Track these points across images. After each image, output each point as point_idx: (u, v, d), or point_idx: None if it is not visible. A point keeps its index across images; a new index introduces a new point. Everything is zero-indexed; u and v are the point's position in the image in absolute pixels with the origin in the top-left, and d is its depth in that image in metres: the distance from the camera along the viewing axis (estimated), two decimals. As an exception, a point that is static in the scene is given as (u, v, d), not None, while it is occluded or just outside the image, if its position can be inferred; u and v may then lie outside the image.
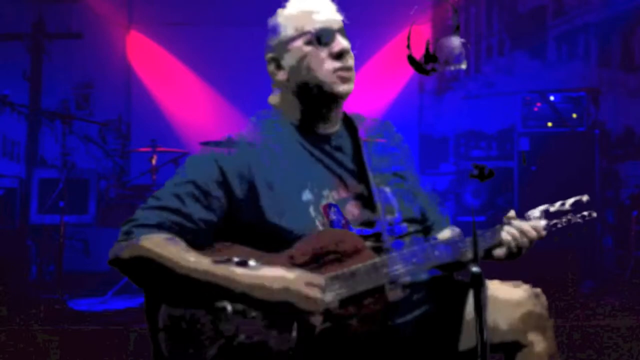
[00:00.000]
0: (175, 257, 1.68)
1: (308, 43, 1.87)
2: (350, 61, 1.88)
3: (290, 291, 1.65)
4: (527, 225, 1.90)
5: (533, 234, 1.89)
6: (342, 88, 1.87)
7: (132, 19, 7.43)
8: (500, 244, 1.88)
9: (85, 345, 3.58)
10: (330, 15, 1.90)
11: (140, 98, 7.29)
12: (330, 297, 1.68)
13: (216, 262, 1.69)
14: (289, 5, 1.94)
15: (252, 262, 1.73)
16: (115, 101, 7.26)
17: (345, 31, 1.91)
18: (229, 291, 1.66)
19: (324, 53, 1.86)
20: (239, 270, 1.68)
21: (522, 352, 1.86)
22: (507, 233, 1.88)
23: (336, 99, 1.89)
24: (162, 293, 1.73)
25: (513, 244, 1.87)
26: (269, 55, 1.94)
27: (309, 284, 1.66)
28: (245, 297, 1.66)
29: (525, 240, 1.88)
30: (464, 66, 1.63)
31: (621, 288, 4.86)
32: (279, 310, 1.66)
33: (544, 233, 1.92)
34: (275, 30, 1.92)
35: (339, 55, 1.86)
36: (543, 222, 1.93)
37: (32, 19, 6.76)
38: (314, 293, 1.66)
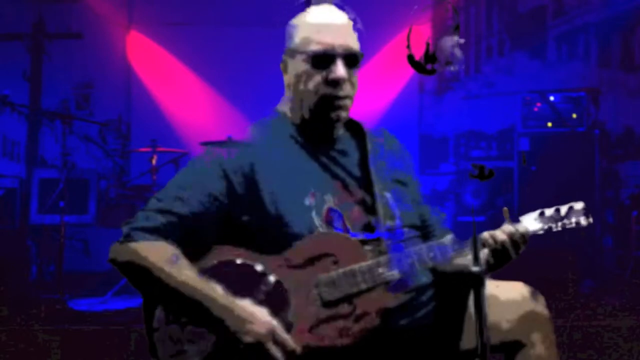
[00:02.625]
0: (166, 268, 1.70)
1: (306, 62, 1.84)
2: (345, 90, 1.84)
3: (255, 334, 1.65)
4: (509, 226, 1.86)
5: (510, 228, 1.84)
6: (331, 115, 1.85)
7: (132, 19, 7.43)
8: (483, 245, 1.84)
9: (85, 345, 3.58)
10: (336, 38, 1.84)
11: (140, 98, 7.29)
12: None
13: (208, 273, 1.71)
14: (308, 12, 1.91)
15: (259, 268, 1.74)
16: (115, 101, 7.26)
17: (354, 54, 1.86)
18: (208, 312, 1.67)
19: (318, 76, 1.83)
20: (222, 297, 1.68)
21: (522, 352, 1.87)
22: (487, 233, 1.85)
23: (327, 123, 1.88)
24: (155, 298, 1.75)
25: (490, 240, 1.82)
26: (283, 55, 1.93)
27: (276, 343, 1.66)
28: (220, 323, 1.67)
29: (498, 233, 1.83)
30: (462, 66, 1.64)
31: (621, 288, 4.86)
32: (246, 348, 1.66)
33: (527, 228, 1.87)
34: (289, 33, 1.90)
35: (333, 83, 1.82)
36: (538, 226, 1.92)
37: (32, 19, 6.76)
38: (275, 352, 1.66)
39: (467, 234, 1.79)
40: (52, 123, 6.09)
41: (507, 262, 1.85)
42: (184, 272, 1.70)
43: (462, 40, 1.65)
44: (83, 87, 7.20)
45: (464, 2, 7.40)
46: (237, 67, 6.83)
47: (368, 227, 1.84)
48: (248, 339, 1.65)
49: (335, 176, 1.88)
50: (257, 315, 1.67)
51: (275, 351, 1.65)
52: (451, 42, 1.64)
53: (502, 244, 1.83)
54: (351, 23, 1.91)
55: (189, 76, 7.29)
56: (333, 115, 1.85)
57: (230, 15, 7.05)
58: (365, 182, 1.89)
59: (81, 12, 6.87)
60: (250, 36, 6.71)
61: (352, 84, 1.87)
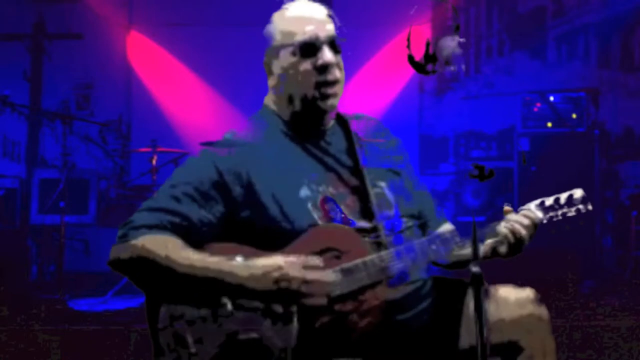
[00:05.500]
0: (172, 254, 1.69)
1: (293, 54, 1.87)
2: (335, 74, 1.87)
3: (288, 277, 1.66)
4: (520, 216, 1.89)
5: (526, 221, 1.87)
6: (324, 105, 1.87)
7: (132, 19, 7.43)
8: (496, 236, 1.87)
9: (85, 345, 3.58)
10: (318, 26, 1.88)
11: (141, 98, 7.29)
12: (331, 276, 1.69)
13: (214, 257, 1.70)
14: (284, 10, 1.94)
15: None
16: (115, 101, 7.26)
17: (336, 41, 1.89)
18: (227, 285, 1.67)
19: (307, 65, 1.86)
20: (236, 263, 1.69)
21: (521, 355, 1.86)
22: (502, 226, 1.87)
23: (320, 113, 1.90)
24: (162, 292, 1.74)
25: (510, 235, 1.86)
26: (264, 59, 1.96)
27: (307, 267, 1.68)
28: (243, 289, 1.67)
29: (519, 228, 1.86)
30: (463, 66, 1.64)
31: (621, 288, 4.86)
32: (280, 298, 1.67)
33: (538, 217, 1.91)
34: (268, 35, 1.93)
35: (323, 69, 1.85)
36: (539, 215, 1.94)
37: (33, 20, 6.77)
38: (313, 275, 1.67)
39: (467, 234, 1.80)
40: (52, 123, 6.10)
41: (519, 252, 1.89)
42: (192, 255, 1.70)
43: (462, 40, 1.65)
44: (83, 88, 7.20)
45: (464, 3, 7.39)
46: (237, 67, 6.82)
47: (365, 217, 1.85)
48: (283, 284, 1.66)
49: (328, 167, 1.89)
50: (273, 263, 1.68)
51: (312, 274, 1.67)
52: (451, 42, 1.64)
53: (522, 238, 1.86)
54: (327, 12, 1.93)
55: (189, 76, 7.29)
56: (323, 104, 1.87)
57: (230, 16, 7.05)
58: (358, 172, 1.91)
59: (81, 13, 6.87)
60: (250, 36, 6.68)
61: (340, 68, 1.90)
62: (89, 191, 5.72)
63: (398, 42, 6.97)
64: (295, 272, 1.67)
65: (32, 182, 5.82)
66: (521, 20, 7.19)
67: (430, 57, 1.62)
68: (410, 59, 1.64)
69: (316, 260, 1.70)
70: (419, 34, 1.70)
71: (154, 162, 5.45)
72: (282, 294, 1.67)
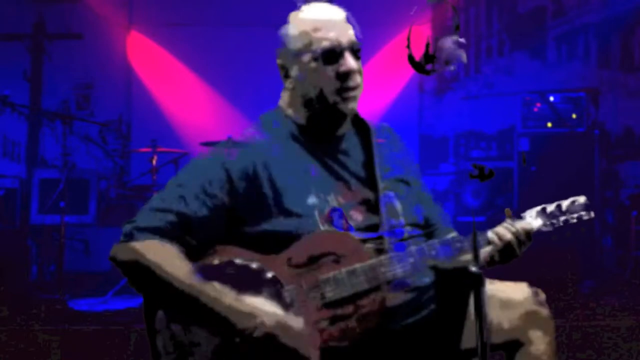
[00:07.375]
0: (169, 268, 1.69)
1: (314, 60, 1.84)
2: (357, 80, 1.87)
3: (268, 331, 1.65)
4: (510, 222, 1.87)
5: (515, 226, 1.85)
6: (344, 108, 1.86)
7: (132, 19, 7.43)
8: (488, 243, 1.85)
9: (85, 345, 3.59)
10: (340, 32, 1.86)
11: (141, 98, 7.29)
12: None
13: (210, 269, 1.71)
14: (301, 12, 1.90)
15: (254, 265, 1.74)
16: (115, 101, 7.26)
17: (357, 46, 1.88)
18: (213, 313, 1.67)
19: (329, 71, 1.84)
20: (227, 296, 1.68)
21: (522, 351, 1.87)
22: (492, 232, 1.86)
23: (340, 116, 1.89)
24: (157, 298, 1.75)
25: (496, 239, 1.84)
26: (279, 61, 1.93)
27: (284, 327, 1.66)
28: (226, 322, 1.67)
29: (504, 232, 1.84)
30: (463, 60, 1.64)
31: (621, 288, 4.86)
32: (262, 344, 1.66)
33: (530, 225, 1.89)
34: (285, 38, 1.90)
35: (345, 75, 1.84)
36: (540, 222, 1.92)
37: (33, 20, 6.77)
38: (294, 343, 1.66)
39: (467, 234, 1.80)
40: (52, 123, 6.10)
41: (512, 259, 1.86)
42: (186, 273, 1.70)
43: (462, 40, 1.65)
44: (83, 88, 7.20)
45: (464, 3, 7.40)
46: (237, 67, 6.83)
47: (371, 226, 1.84)
48: (258, 333, 1.64)
49: (337, 176, 1.88)
50: (263, 309, 1.67)
51: (289, 341, 1.65)
52: (451, 42, 1.64)
53: (509, 242, 1.83)
54: (345, 15, 1.92)
55: (189, 76, 7.29)
56: (344, 107, 1.86)
57: (230, 15, 7.05)
58: (369, 181, 1.89)
59: (81, 13, 6.87)
60: (250, 36, 6.71)
61: (360, 73, 1.90)
62: (89, 191, 5.71)
63: (398, 42, 6.96)
64: (272, 323, 1.65)
65: (32, 182, 5.82)
66: (521, 20, 7.19)
67: (430, 57, 1.62)
68: (410, 59, 1.64)
69: (295, 320, 1.68)
70: (419, 34, 1.70)
71: (154, 162, 5.45)
72: (262, 340, 1.66)
